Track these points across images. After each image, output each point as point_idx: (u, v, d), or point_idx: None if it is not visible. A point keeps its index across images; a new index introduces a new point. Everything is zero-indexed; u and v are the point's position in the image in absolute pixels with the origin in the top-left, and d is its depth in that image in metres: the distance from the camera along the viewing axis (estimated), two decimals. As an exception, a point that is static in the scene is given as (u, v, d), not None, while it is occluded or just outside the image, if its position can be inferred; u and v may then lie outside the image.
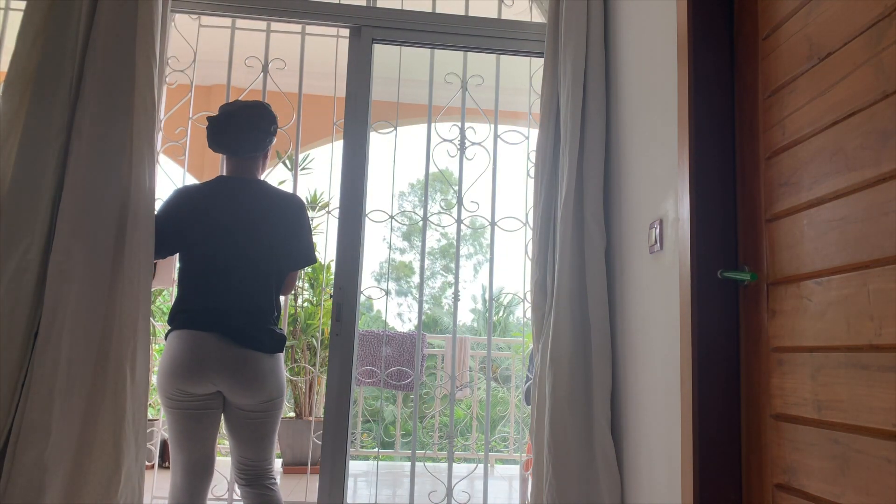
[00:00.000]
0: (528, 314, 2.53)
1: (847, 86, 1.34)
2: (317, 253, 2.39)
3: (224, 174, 2.24)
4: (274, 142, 2.26)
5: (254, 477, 2.12)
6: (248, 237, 2.09)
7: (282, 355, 2.12)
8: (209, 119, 2.17)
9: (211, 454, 2.10)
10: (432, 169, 2.78)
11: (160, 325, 4.39)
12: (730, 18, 1.80)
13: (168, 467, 4.25)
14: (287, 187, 3.05)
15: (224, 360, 1.98)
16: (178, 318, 2.05)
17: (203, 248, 2.08)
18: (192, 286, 2.08)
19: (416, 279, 14.31)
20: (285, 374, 2.13)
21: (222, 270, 2.06)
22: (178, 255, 2.41)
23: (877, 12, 1.26)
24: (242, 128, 2.14)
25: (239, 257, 2.07)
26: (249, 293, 2.07)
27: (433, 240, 14.27)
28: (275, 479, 2.16)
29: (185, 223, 2.11)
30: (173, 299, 2.12)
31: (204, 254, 2.07)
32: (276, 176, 5.24)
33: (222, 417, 2.13)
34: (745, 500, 1.64)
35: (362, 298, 2.60)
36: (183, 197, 2.16)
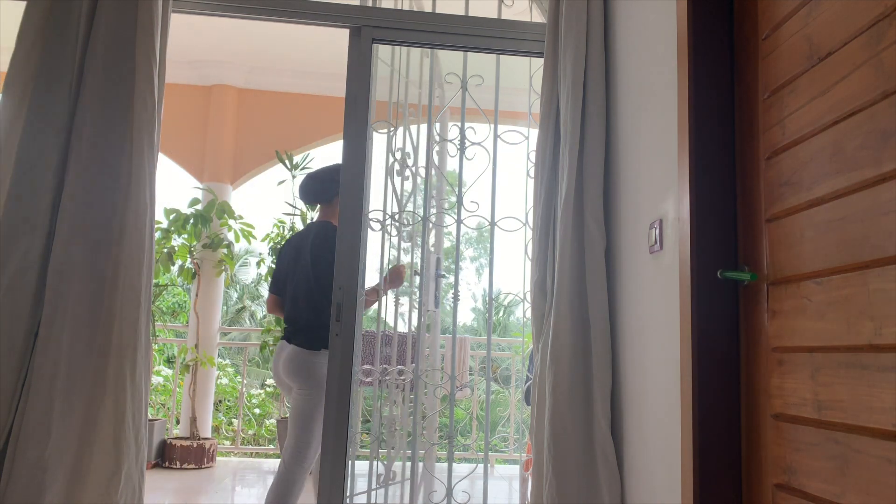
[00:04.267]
0: (528, 314, 2.53)
1: (847, 86, 1.34)
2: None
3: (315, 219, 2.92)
4: (335, 192, 2.87)
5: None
6: (310, 268, 2.77)
7: (323, 352, 2.64)
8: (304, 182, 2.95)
9: None
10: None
11: (160, 325, 4.39)
12: (730, 18, 1.80)
13: (169, 467, 4.27)
14: (287, 187, 3.07)
15: (286, 358, 2.76)
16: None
17: (291, 280, 2.83)
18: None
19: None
20: (324, 370, 2.59)
21: (294, 297, 2.80)
22: None
23: (877, 12, 1.26)
24: (317, 187, 2.92)
25: (304, 283, 2.78)
26: (309, 310, 2.76)
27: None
28: (284, 460, 2.66)
29: (284, 263, 2.91)
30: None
31: (291, 284, 2.83)
32: (275, 176, 5.25)
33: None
34: (745, 500, 1.64)
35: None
36: (285, 246, 2.98)
